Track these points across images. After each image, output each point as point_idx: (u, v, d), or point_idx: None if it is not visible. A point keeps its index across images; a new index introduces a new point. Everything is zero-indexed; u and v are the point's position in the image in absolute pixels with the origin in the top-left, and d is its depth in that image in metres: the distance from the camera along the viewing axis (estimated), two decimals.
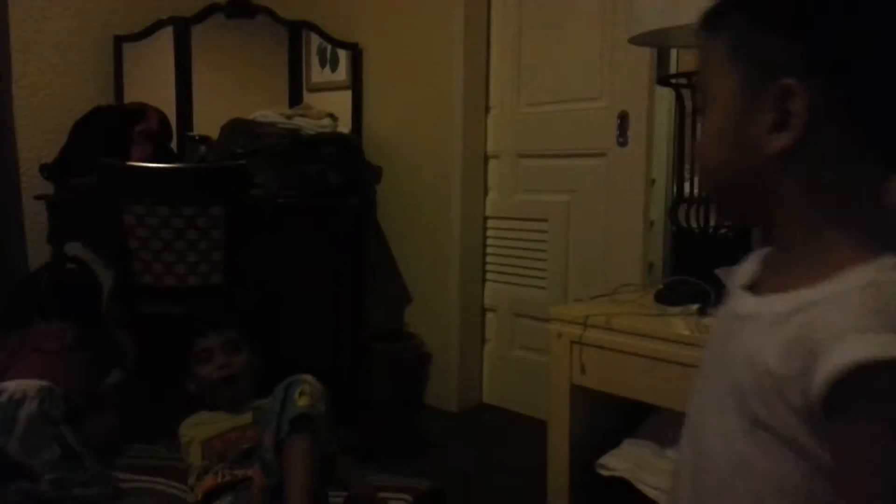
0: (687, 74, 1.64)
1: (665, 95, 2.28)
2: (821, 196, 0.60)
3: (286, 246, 2.77)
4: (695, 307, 1.52)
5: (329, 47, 3.05)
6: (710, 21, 0.64)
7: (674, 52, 2.33)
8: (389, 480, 1.76)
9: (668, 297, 1.62)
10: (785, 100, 0.57)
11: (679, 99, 1.66)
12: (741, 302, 0.65)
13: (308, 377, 1.47)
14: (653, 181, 2.41)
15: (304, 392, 1.41)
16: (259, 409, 1.69)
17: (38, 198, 2.52)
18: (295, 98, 3.11)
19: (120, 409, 2.07)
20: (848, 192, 0.59)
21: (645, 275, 2.22)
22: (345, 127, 2.88)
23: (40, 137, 2.67)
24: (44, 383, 1.75)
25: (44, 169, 2.54)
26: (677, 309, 1.55)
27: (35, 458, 1.66)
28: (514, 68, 2.62)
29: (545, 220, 2.54)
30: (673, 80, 1.67)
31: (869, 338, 0.50)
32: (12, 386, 1.73)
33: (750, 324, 0.62)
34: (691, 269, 1.61)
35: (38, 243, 2.61)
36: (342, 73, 3.04)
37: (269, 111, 2.69)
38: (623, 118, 2.27)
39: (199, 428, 1.67)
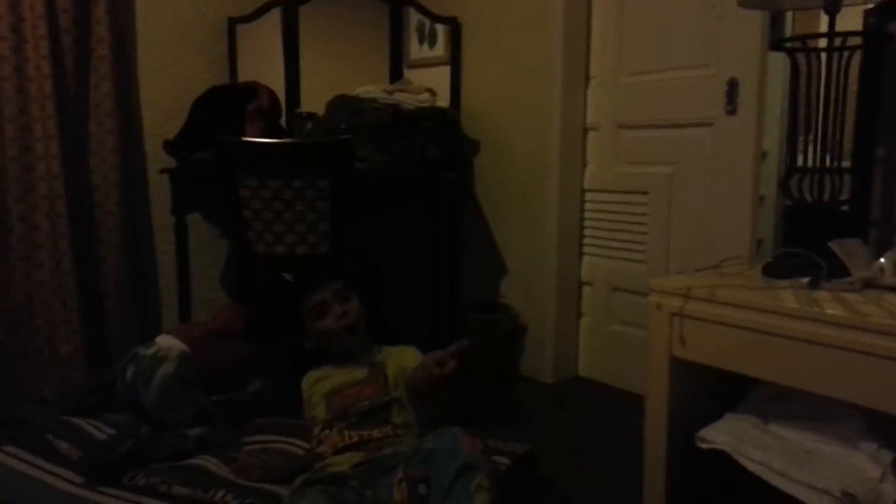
0: (802, 38, 1.56)
1: (778, 60, 2.17)
2: None
3: (387, 218, 2.85)
4: (805, 280, 1.47)
5: (428, 23, 3.09)
6: None
7: (788, 15, 2.22)
8: (492, 441, 1.79)
9: (777, 269, 1.56)
10: None
11: (794, 64, 1.58)
12: None
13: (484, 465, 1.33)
14: (764, 154, 2.31)
15: (483, 488, 1.29)
16: (375, 365, 1.71)
17: (162, 172, 2.71)
18: (395, 75, 3.17)
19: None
20: None
21: (753, 251, 2.14)
22: (443, 101, 2.91)
23: (163, 115, 2.86)
24: (185, 348, 1.87)
25: (166, 145, 2.73)
26: (786, 282, 1.49)
27: (169, 416, 1.81)
28: (617, 36, 2.56)
29: (646, 193, 2.49)
30: (787, 45, 1.60)
31: None
32: (160, 342, 1.90)
33: None
34: (804, 245, 1.55)
35: (160, 215, 2.82)
36: (440, 49, 3.07)
37: (371, 87, 2.77)
38: (732, 85, 2.18)
39: (321, 383, 1.72)
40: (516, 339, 2.82)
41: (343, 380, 1.67)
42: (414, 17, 3.14)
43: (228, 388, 2.06)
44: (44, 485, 1.67)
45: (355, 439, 1.52)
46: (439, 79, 3.00)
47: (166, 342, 1.90)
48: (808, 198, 1.58)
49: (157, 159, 2.82)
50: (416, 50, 3.18)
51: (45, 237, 2.47)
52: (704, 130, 2.29)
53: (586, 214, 2.73)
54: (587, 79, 2.67)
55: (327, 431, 1.58)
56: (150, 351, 1.86)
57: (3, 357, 2.45)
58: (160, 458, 1.74)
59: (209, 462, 1.74)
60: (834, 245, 1.52)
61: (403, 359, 1.70)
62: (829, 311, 1.27)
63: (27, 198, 2.45)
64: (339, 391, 1.64)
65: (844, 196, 1.60)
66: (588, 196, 2.71)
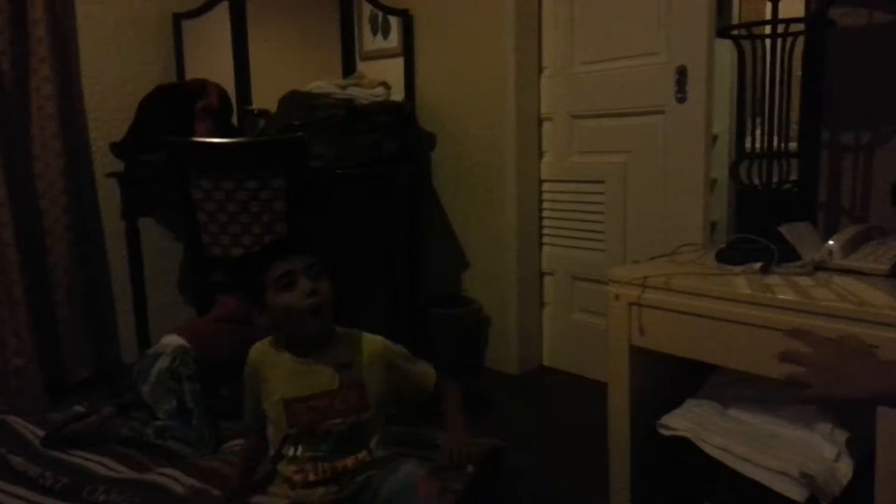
0: (747, 25, 1.58)
1: (726, 47, 2.20)
2: None
3: (344, 215, 2.81)
4: (758, 266, 1.49)
5: (381, 14, 3.05)
6: None
7: (735, 1, 2.25)
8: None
9: (730, 256, 1.59)
10: None
11: (740, 51, 1.60)
12: None
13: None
14: (715, 137, 2.34)
15: None
16: (345, 369, 1.42)
17: (109, 175, 2.63)
18: (348, 67, 3.13)
19: None
20: None
21: (707, 235, 2.18)
22: (398, 95, 2.89)
23: (108, 117, 2.78)
24: (182, 343, 1.97)
25: (114, 147, 2.65)
26: (739, 268, 1.52)
27: (158, 406, 1.92)
28: (567, 27, 2.57)
29: (602, 182, 2.51)
30: (733, 32, 1.62)
31: None
32: (163, 340, 2.01)
33: None
34: (755, 227, 1.57)
35: (112, 220, 2.75)
36: (394, 41, 3.04)
37: (324, 82, 2.72)
38: (682, 73, 2.21)
39: (276, 372, 1.43)
40: (480, 332, 2.82)
41: (308, 387, 1.41)
42: (366, 9, 3.10)
43: (233, 374, 2.09)
44: None
45: (328, 473, 1.38)
46: (393, 71, 2.98)
47: (167, 340, 2.00)
48: (756, 182, 1.60)
49: (104, 163, 2.74)
50: (369, 41, 3.14)
51: None
52: (656, 118, 2.31)
53: (545, 205, 2.74)
54: (540, 69, 2.67)
55: (293, 450, 1.39)
56: (152, 350, 2.00)
57: None
58: (118, 439, 1.86)
59: (171, 480, 1.70)
60: (784, 229, 1.55)
61: (378, 358, 1.45)
62: (781, 296, 1.30)
63: None
64: (306, 401, 1.39)
65: (794, 178, 1.64)
66: (546, 186, 2.72)
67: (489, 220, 2.77)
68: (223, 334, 2.07)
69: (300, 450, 1.39)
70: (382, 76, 2.84)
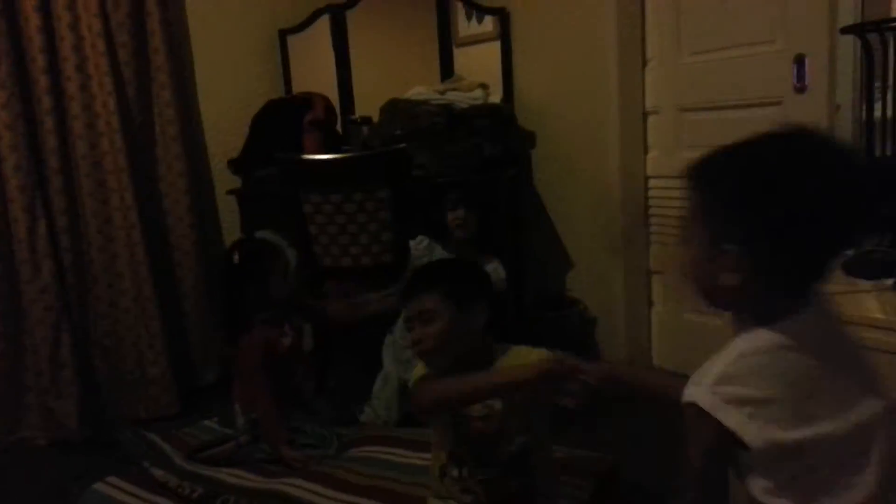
0: (877, 23, 1.45)
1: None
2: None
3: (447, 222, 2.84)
4: (890, 281, 1.39)
5: (474, 14, 3.02)
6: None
7: None
8: (564, 454, 1.77)
9: (859, 268, 1.48)
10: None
11: (866, 43, 1.48)
12: None
13: None
14: (837, 107, 2.15)
15: None
16: None
17: (229, 193, 2.78)
18: (445, 58, 3.10)
19: None
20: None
21: None
22: (496, 93, 2.86)
23: (224, 134, 2.93)
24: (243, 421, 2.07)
25: (231, 164, 2.80)
26: (869, 284, 1.42)
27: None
28: (673, 15, 2.45)
29: None
30: (861, 28, 1.49)
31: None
32: (239, 424, 2.09)
33: None
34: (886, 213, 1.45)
35: (231, 232, 2.90)
36: (489, 25, 2.97)
37: (423, 88, 2.76)
38: (800, 62, 2.06)
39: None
40: (587, 333, 2.79)
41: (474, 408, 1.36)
42: (461, 8, 3.07)
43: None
44: None
45: (498, 498, 1.36)
46: (490, 57, 2.92)
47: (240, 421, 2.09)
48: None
49: (222, 178, 2.90)
50: (464, 27, 3.07)
51: (125, 265, 2.58)
52: (772, 110, 2.17)
53: (651, 202, 2.65)
54: (644, 61, 2.57)
55: (457, 471, 1.37)
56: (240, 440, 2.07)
57: (98, 381, 2.59)
58: (253, 461, 1.96)
59: (294, 488, 1.81)
60: None
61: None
62: None
63: (105, 229, 2.56)
64: (467, 421, 1.35)
65: None
66: (652, 183, 2.63)
67: (593, 219, 2.72)
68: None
69: (465, 471, 1.36)
70: (479, 63, 2.80)
